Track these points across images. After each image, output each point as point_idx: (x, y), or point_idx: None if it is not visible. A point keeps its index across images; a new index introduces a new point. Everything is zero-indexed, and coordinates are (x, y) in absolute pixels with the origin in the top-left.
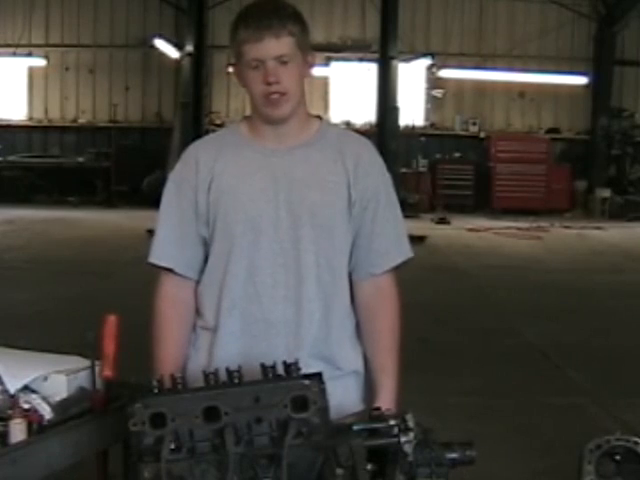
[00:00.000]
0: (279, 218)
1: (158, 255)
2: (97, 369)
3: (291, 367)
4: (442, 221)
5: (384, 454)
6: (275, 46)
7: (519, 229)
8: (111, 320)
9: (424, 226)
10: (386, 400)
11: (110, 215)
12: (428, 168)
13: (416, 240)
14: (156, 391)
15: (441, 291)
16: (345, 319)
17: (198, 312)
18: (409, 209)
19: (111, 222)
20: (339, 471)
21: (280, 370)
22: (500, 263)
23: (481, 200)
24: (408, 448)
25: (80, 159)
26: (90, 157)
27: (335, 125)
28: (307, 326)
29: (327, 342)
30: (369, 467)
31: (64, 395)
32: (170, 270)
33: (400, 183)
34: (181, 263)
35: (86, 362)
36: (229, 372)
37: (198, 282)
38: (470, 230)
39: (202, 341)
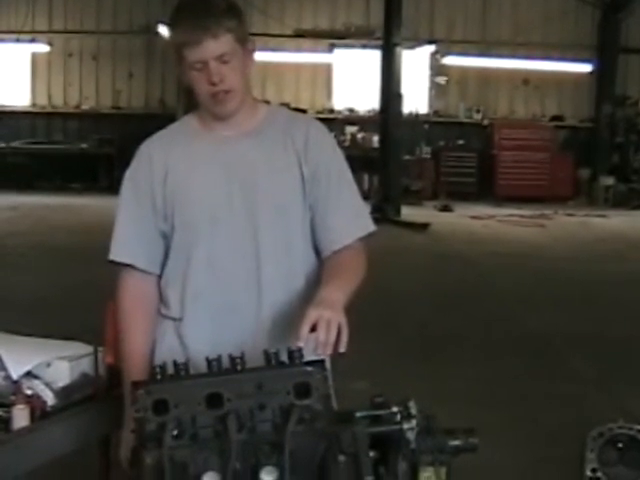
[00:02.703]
0: (234, 205)
1: (118, 252)
2: (100, 355)
3: (294, 354)
4: (445, 209)
5: (386, 441)
6: (215, 47)
7: (522, 217)
8: (112, 307)
9: (427, 213)
10: (324, 295)
11: (113, 202)
12: (431, 155)
13: (419, 228)
14: (159, 377)
15: (443, 278)
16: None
17: (163, 302)
18: (412, 196)
19: (114, 209)
20: (341, 458)
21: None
22: (503, 251)
23: (484, 188)
24: (410, 435)
25: (83, 145)
26: (93, 143)
27: (283, 109)
28: (268, 310)
29: (290, 326)
30: (371, 454)
31: (67, 381)
32: (131, 266)
33: (403, 170)
34: (142, 258)
35: (89, 348)
36: (232, 359)
37: (160, 275)
38: (473, 218)
39: (167, 327)
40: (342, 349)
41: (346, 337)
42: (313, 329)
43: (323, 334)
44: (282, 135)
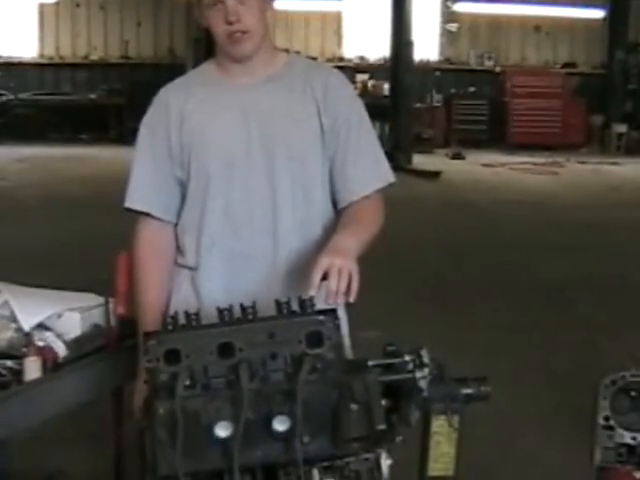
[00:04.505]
0: (252, 152)
1: (134, 199)
2: (111, 306)
3: (305, 303)
4: (457, 156)
5: (399, 390)
6: None
7: (534, 164)
8: (124, 258)
9: (439, 162)
10: (337, 243)
11: (123, 152)
12: (443, 103)
13: (430, 176)
14: (170, 327)
15: (455, 227)
16: None
17: (179, 251)
18: (423, 144)
19: (124, 159)
20: (354, 407)
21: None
22: (515, 199)
23: (496, 135)
24: (423, 383)
25: (92, 96)
26: (102, 94)
27: (302, 57)
28: (284, 259)
29: (306, 275)
30: (384, 402)
31: (78, 333)
32: (147, 214)
33: (414, 118)
34: (158, 206)
35: (100, 299)
36: (243, 308)
37: (177, 224)
38: (485, 165)
39: (183, 277)
40: (352, 298)
41: (356, 286)
42: (325, 277)
43: (334, 282)
44: (301, 84)
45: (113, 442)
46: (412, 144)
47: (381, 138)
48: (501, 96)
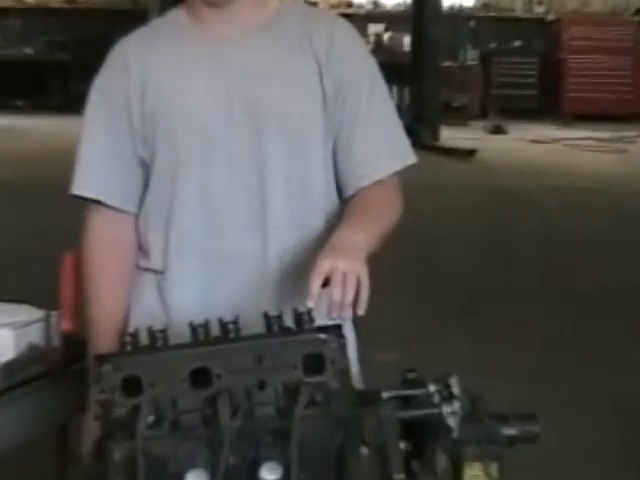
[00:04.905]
0: (235, 123)
1: (83, 185)
2: (53, 321)
3: (302, 317)
4: (497, 130)
5: (422, 429)
6: None
7: (597, 140)
8: (71, 258)
9: (474, 137)
10: (341, 239)
11: (69, 123)
12: (479, 61)
13: (463, 155)
14: (129, 348)
15: (494, 220)
16: None
17: (142, 250)
18: (454, 115)
19: (71, 132)
20: (364, 450)
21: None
22: (571, 184)
23: (548, 103)
24: (452, 421)
25: (28, 50)
26: (41, 48)
27: (299, 3)
28: (275, 261)
29: (304, 283)
30: (402, 445)
31: (10, 355)
32: (101, 203)
33: (442, 81)
34: (114, 193)
35: (39, 313)
36: (223, 324)
37: (138, 215)
38: (533, 142)
39: (147, 284)
40: (361, 311)
41: (366, 296)
42: (326, 283)
43: (338, 291)
44: (298, 36)
45: None
46: (440, 114)
47: (399, 107)
48: (555, 52)
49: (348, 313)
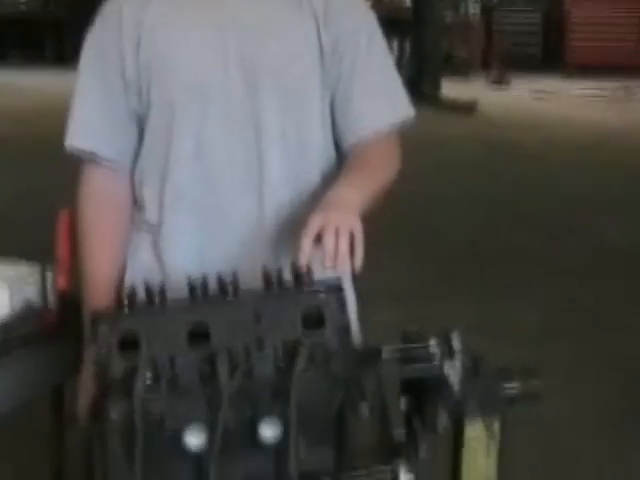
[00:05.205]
0: (231, 79)
1: (77, 137)
2: (49, 279)
3: (302, 273)
4: (499, 83)
5: (422, 386)
6: None
7: (601, 93)
8: (67, 215)
9: (475, 89)
10: (335, 195)
11: (65, 77)
12: (481, 12)
13: (464, 108)
14: (126, 306)
15: (496, 177)
16: None
17: (137, 206)
18: (455, 67)
19: (67, 87)
20: (364, 408)
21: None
22: (575, 139)
23: (551, 54)
24: (453, 378)
25: (22, 5)
26: (36, 2)
27: None
28: (272, 217)
29: (297, 236)
30: (403, 403)
31: (5, 313)
32: (95, 157)
33: (444, 33)
34: (109, 147)
35: (35, 270)
36: (221, 281)
37: (133, 170)
38: (536, 94)
39: (142, 240)
40: (357, 265)
41: (361, 249)
42: (319, 242)
43: (330, 241)
44: None
45: (52, 455)
46: (441, 67)
47: (400, 61)
48: (559, 2)
49: (342, 262)
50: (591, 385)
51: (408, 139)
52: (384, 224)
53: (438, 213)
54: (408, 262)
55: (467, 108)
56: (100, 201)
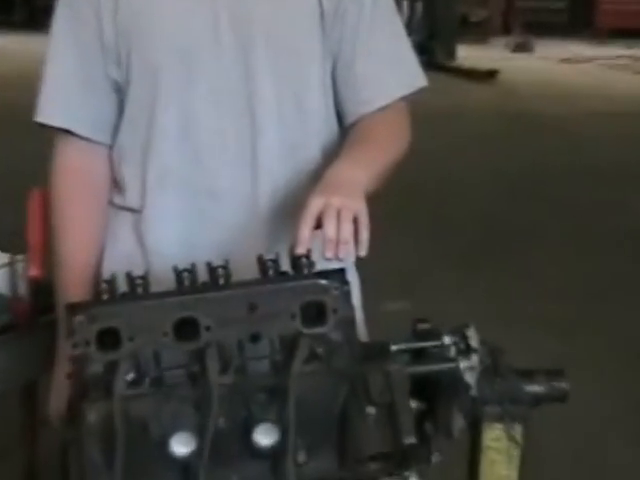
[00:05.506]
0: (221, 43)
1: (50, 112)
2: (20, 267)
3: (300, 260)
4: (521, 48)
5: (435, 386)
6: None
7: (635, 59)
8: (40, 195)
9: (495, 56)
10: (336, 174)
11: (36, 40)
12: None
13: (483, 77)
14: (105, 297)
15: (518, 151)
16: None
17: (116, 187)
18: (472, 31)
19: (38, 51)
20: (370, 409)
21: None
22: (605, 109)
23: (579, 17)
24: (470, 377)
25: None
26: None
27: None
28: (267, 198)
29: (296, 218)
30: (414, 404)
31: None
32: (70, 133)
33: None
34: (84, 121)
35: (3, 257)
36: (211, 268)
37: (112, 146)
38: (563, 61)
39: (122, 223)
40: (362, 252)
41: (366, 234)
42: (319, 226)
43: (332, 227)
44: None
45: (22, 460)
46: (455, 31)
47: (410, 23)
48: None
49: (345, 251)
50: (613, 376)
51: (419, 110)
52: (392, 206)
53: (453, 192)
54: (418, 247)
55: (485, 77)
56: (75, 179)
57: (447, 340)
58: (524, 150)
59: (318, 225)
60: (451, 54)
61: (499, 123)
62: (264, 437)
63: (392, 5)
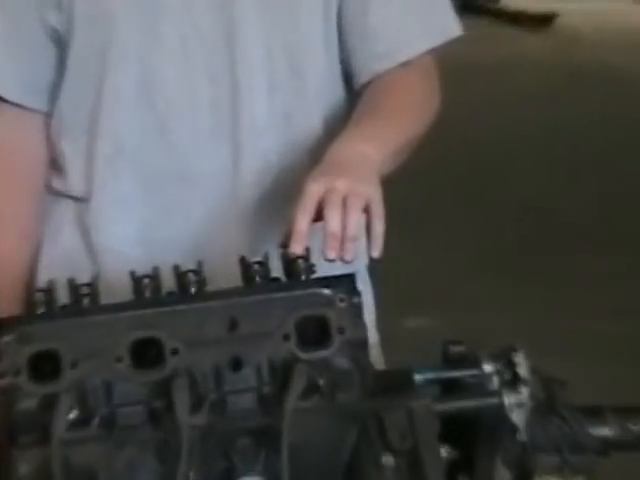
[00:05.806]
0: None
1: None
2: None
3: (296, 263)
4: None
5: (473, 428)
6: None
7: None
8: None
9: None
10: (342, 150)
11: None
12: None
13: (536, 22)
14: (41, 310)
15: (581, 117)
16: None
17: (55, 168)
18: None
19: None
20: (387, 459)
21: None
22: None
23: None
24: (518, 416)
25: None
26: None
27: None
28: (252, 180)
29: (288, 208)
30: (444, 452)
31: None
32: None
33: None
34: (12, 83)
35: None
36: (180, 274)
37: (50, 115)
38: (637, 2)
39: (63, 214)
40: (375, 252)
41: (381, 228)
42: (321, 217)
43: (336, 219)
44: None
45: None
46: None
47: None
48: None
49: (353, 250)
50: None
51: (453, 66)
52: (414, 191)
53: (496, 170)
54: (448, 247)
55: (540, 22)
56: (3, 158)
57: (488, 368)
58: (589, 112)
59: (319, 216)
60: None
61: (557, 78)
62: None
63: None
